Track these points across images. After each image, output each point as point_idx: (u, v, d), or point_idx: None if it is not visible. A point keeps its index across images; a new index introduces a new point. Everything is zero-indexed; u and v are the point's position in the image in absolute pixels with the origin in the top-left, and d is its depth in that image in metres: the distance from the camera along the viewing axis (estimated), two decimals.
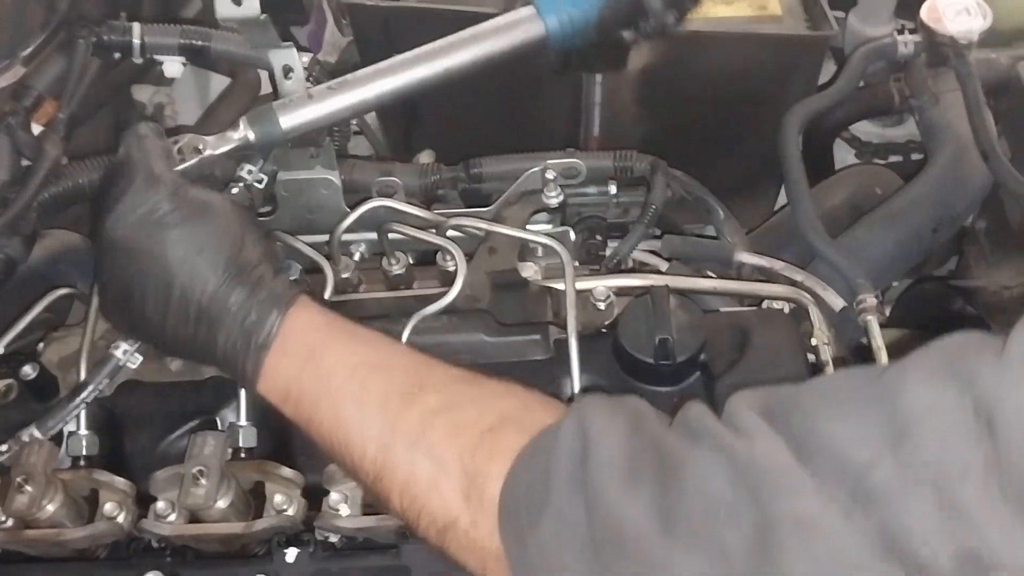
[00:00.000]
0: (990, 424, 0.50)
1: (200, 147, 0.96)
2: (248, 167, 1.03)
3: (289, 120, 0.98)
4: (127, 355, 0.93)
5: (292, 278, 1.05)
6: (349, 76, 1.00)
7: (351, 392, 0.76)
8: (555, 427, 0.67)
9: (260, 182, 1.05)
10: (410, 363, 0.79)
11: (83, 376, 0.97)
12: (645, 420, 0.66)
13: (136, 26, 1.07)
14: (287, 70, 1.01)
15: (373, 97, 0.99)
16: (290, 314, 0.81)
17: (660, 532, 0.57)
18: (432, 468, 0.70)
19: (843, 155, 1.58)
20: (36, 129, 1.07)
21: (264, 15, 0.95)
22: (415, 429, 0.72)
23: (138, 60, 1.10)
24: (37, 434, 0.91)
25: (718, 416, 0.62)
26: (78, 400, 0.93)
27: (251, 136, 0.98)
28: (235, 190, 1.02)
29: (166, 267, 0.80)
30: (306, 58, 1.03)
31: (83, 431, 0.94)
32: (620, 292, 1.03)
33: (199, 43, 1.08)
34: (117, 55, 1.09)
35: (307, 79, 1.04)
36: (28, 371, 0.98)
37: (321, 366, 0.78)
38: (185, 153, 0.95)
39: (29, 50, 1.10)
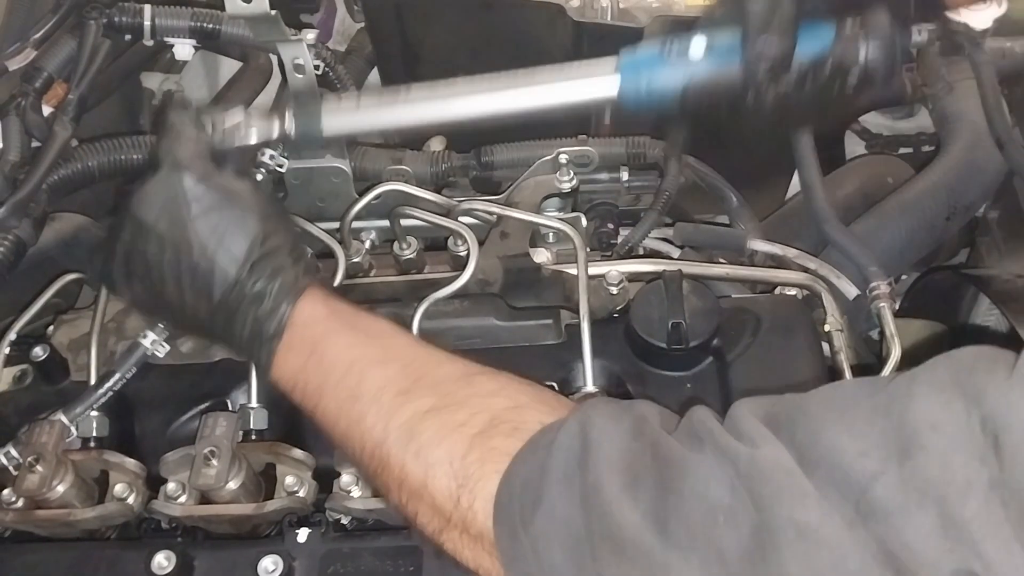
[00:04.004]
0: (996, 441, 0.49)
1: (244, 131, 0.96)
2: (270, 152, 1.03)
3: (332, 126, 0.96)
4: (154, 344, 0.94)
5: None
6: (402, 89, 0.96)
7: (349, 387, 0.77)
8: (555, 426, 0.67)
9: (281, 166, 1.04)
10: (407, 357, 0.79)
11: (93, 359, 0.97)
12: (648, 424, 0.66)
13: (147, 8, 1.08)
14: (298, 65, 1.00)
15: (421, 122, 0.97)
16: (297, 306, 0.81)
17: (657, 536, 0.57)
18: (422, 471, 0.71)
19: (853, 147, 1.56)
20: (46, 111, 1.07)
21: (275, 11, 0.93)
22: (406, 430, 0.73)
23: (149, 42, 1.10)
24: (64, 420, 0.91)
25: (722, 421, 0.62)
26: (105, 388, 0.93)
27: (293, 132, 0.96)
28: (259, 176, 1.02)
29: (188, 256, 0.81)
30: (311, 35, 1.02)
31: (93, 412, 0.94)
32: (632, 278, 1.02)
33: (210, 26, 1.08)
34: (128, 37, 1.09)
35: (320, 57, 1.03)
36: (38, 352, 0.98)
37: (323, 360, 0.79)
38: (226, 133, 0.94)
39: (40, 32, 1.10)
